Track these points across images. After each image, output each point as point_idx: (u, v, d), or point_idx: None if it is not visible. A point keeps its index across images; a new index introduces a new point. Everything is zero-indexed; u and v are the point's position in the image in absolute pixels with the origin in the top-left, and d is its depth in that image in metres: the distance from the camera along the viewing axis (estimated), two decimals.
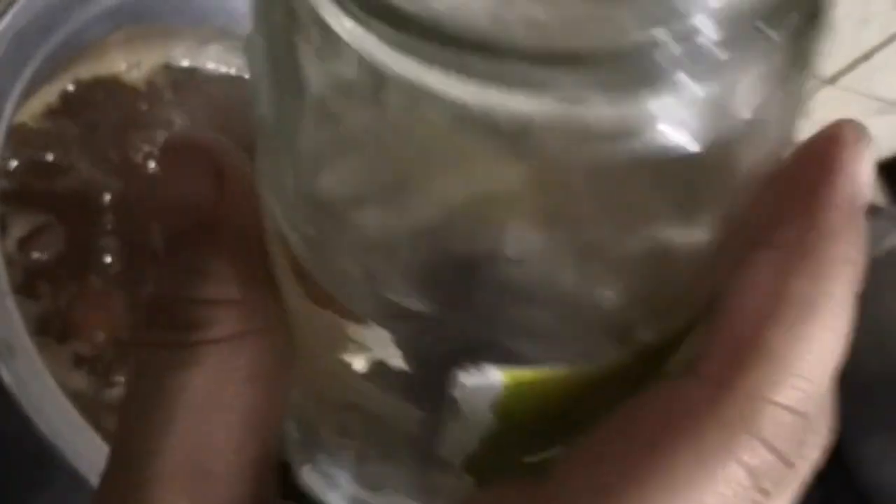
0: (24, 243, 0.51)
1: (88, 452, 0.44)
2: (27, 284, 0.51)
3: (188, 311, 0.22)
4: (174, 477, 0.22)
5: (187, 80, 0.59)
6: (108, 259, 0.54)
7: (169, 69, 0.58)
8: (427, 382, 0.21)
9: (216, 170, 0.22)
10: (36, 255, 0.51)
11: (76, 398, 0.47)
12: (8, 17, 0.48)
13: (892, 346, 0.75)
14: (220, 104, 0.60)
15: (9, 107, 0.47)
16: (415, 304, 0.19)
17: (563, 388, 0.21)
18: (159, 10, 0.55)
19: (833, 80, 1.01)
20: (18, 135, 0.50)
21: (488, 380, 0.20)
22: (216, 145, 0.23)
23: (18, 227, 0.51)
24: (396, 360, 0.21)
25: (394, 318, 0.20)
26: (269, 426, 0.23)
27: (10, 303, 0.44)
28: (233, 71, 0.61)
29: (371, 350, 0.21)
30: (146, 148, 0.54)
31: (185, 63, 0.59)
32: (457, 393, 0.21)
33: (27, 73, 0.48)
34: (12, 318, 0.44)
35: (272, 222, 0.21)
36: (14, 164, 0.51)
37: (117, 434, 0.23)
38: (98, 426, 0.46)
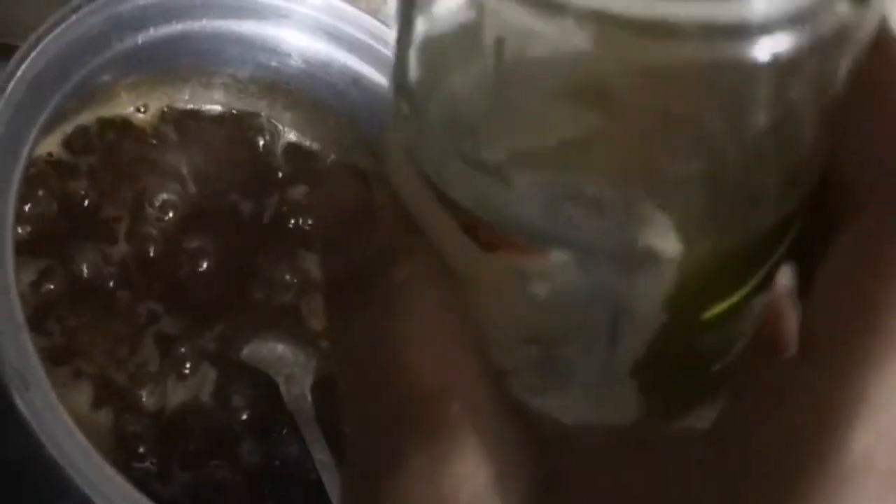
0: (34, 287, 0.54)
1: (99, 479, 0.46)
2: (36, 320, 0.53)
3: (387, 258, 0.24)
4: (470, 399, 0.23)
5: (189, 121, 0.61)
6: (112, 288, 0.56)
7: (173, 111, 0.61)
8: (604, 291, 0.23)
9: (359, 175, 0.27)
10: (43, 294, 0.54)
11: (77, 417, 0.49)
12: (26, 63, 0.50)
13: None
14: (221, 142, 0.62)
15: (26, 148, 0.49)
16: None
17: (719, 270, 0.24)
18: (165, 56, 0.57)
19: None
20: (32, 173, 0.52)
21: (659, 269, 0.23)
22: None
23: (27, 273, 0.53)
24: (577, 277, 0.23)
25: (572, 235, 0.23)
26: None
27: (25, 337, 0.46)
28: (233, 111, 0.63)
29: (551, 276, 0.23)
30: (161, 195, 0.56)
31: (188, 105, 0.62)
32: (630, 288, 0.23)
33: (43, 116, 0.51)
34: (27, 351, 0.46)
35: (431, 193, 0.24)
36: (28, 206, 0.53)
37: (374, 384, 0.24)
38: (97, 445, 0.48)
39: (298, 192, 0.64)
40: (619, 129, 0.22)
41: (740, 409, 0.22)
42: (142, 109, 0.61)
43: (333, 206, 0.26)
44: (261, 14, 0.59)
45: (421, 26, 0.23)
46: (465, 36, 0.22)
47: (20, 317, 0.46)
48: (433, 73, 0.23)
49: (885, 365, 0.20)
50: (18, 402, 0.45)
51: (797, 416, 0.21)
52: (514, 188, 0.23)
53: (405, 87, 0.24)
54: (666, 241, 0.22)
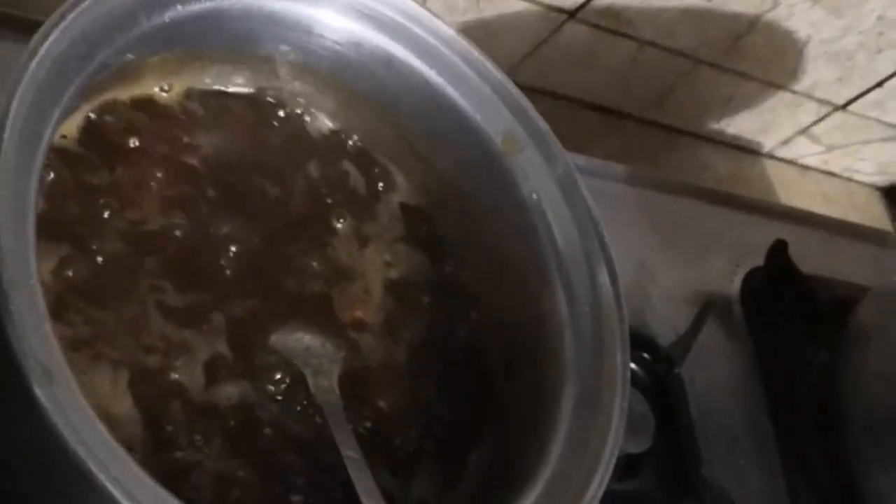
0: (55, 274, 0.52)
1: (123, 476, 0.44)
2: (57, 309, 0.51)
3: None
4: None
5: (215, 102, 0.60)
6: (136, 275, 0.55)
7: (198, 91, 0.59)
8: None
9: None
10: (64, 281, 0.52)
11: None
12: (49, 41, 0.48)
13: None
14: (248, 124, 0.61)
15: (49, 129, 0.47)
16: None
17: None
18: (193, 35, 0.56)
19: (846, 105, 1.01)
20: (53, 155, 0.51)
21: None
22: None
23: (47, 260, 0.51)
24: None
25: None
26: None
27: (47, 327, 0.45)
28: (260, 92, 0.62)
29: None
30: (188, 178, 0.55)
31: (214, 86, 0.60)
32: None
33: (66, 96, 0.49)
34: (50, 343, 0.44)
35: None
36: (49, 187, 0.51)
37: None
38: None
39: (329, 176, 0.63)
40: None
41: None
42: (166, 89, 0.59)
43: None
44: None
45: None
46: None
47: (42, 306, 0.45)
48: None
49: None
50: (40, 395, 0.43)
51: None
52: None
53: None
54: None
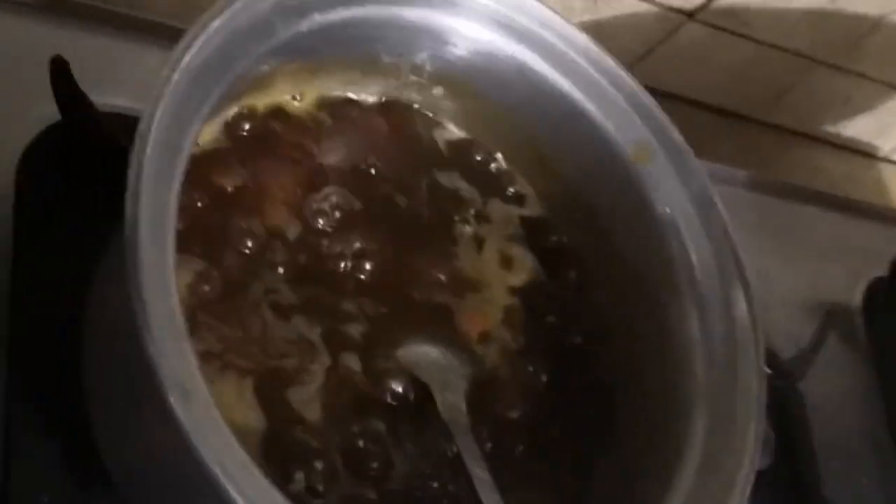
0: (191, 289, 0.51)
1: (260, 498, 0.43)
2: (192, 324, 0.51)
3: None
4: None
5: (346, 111, 0.59)
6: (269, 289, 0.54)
7: (329, 99, 0.58)
8: None
9: None
10: (199, 296, 0.51)
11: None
12: (191, 52, 0.47)
13: None
14: (378, 133, 0.60)
15: (188, 140, 0.47)
16: None
17: None
18: (327, 44, 0.55)
19: None
20: (196, 166, 0.50)
21: None
22: None
23: (183, 274, 0.51)
24: None
25: None
26: None
27: (187, 346, 0.44)
28: (383, 99, 0.61)
29: None
30: (317, 188, 0.54)
31: (345, 93, 0.59)
32: None
33: (206, 107, 0.48)
34: (189, 361, 0.44)
35: None
36: (189, 200, 0.51)
37: None
38: None
39: (455, 185, 0.61)
40: None
41: None
42: (297, 98, 0.58)
43: None
44: (429, 1, 0.56)
45: None
46: None
47: (181, 323, 0.44)
48: None
49: None
50: (179, 414, 0.42)
51: None
52: None
53: None
54: None
